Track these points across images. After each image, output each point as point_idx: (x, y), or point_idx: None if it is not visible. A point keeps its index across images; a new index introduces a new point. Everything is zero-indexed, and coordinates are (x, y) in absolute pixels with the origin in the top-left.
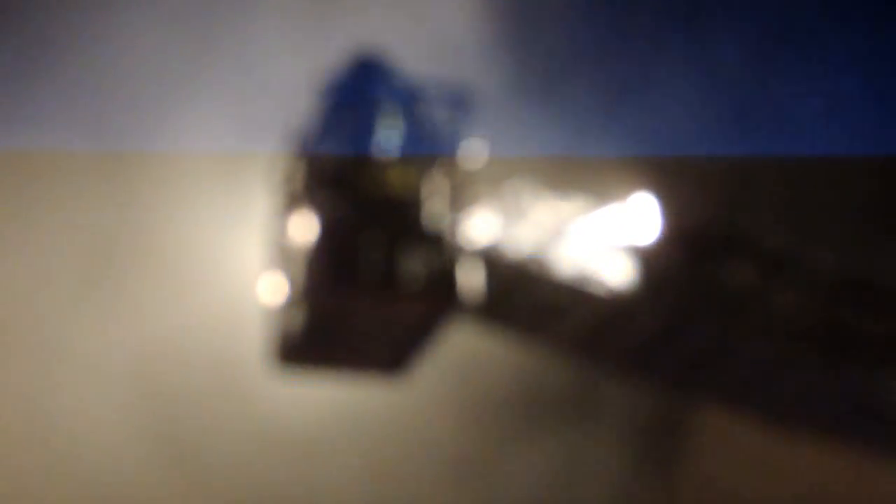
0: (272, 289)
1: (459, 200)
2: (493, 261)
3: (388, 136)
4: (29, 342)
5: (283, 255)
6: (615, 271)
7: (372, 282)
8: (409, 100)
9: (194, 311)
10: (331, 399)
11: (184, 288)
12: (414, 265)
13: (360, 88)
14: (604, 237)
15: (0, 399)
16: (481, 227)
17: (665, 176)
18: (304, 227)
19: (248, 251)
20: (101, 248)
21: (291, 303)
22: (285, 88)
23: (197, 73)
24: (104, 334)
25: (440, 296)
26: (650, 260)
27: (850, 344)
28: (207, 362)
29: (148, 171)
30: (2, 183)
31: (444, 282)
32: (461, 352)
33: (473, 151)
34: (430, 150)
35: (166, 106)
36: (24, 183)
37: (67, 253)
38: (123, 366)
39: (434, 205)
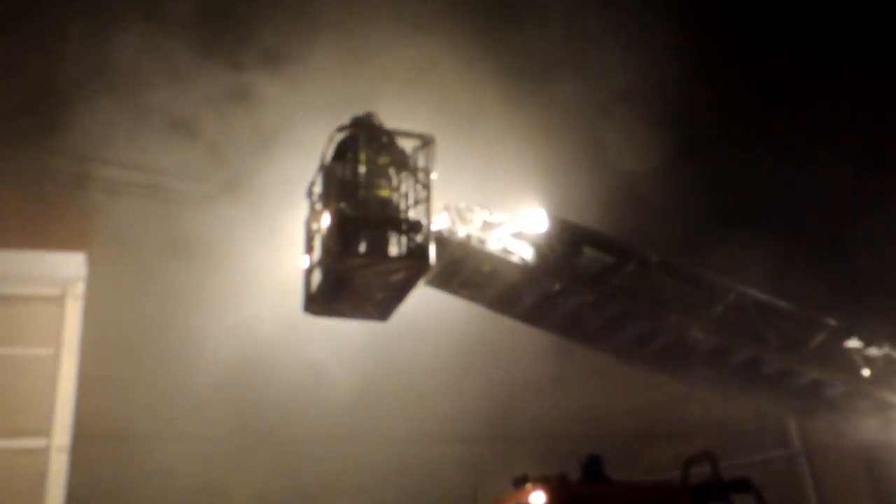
0: (305, 260)
1: (427, 203)
2: (446, 243)
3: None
4: None
5: (310, 237)
6: (521, 251)
7: (366, 256)
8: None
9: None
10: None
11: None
12: (394, 247)
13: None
14: (513, 229)
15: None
16: (439, 221)
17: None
18: (323, 220)
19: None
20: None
21: (315, 268)
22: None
23: None
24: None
25: (413, 266)
26: (542, 246)
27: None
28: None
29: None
30: None
31: (416, 256)
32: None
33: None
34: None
35: None
36: None
37: None
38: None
39: (408, 208)
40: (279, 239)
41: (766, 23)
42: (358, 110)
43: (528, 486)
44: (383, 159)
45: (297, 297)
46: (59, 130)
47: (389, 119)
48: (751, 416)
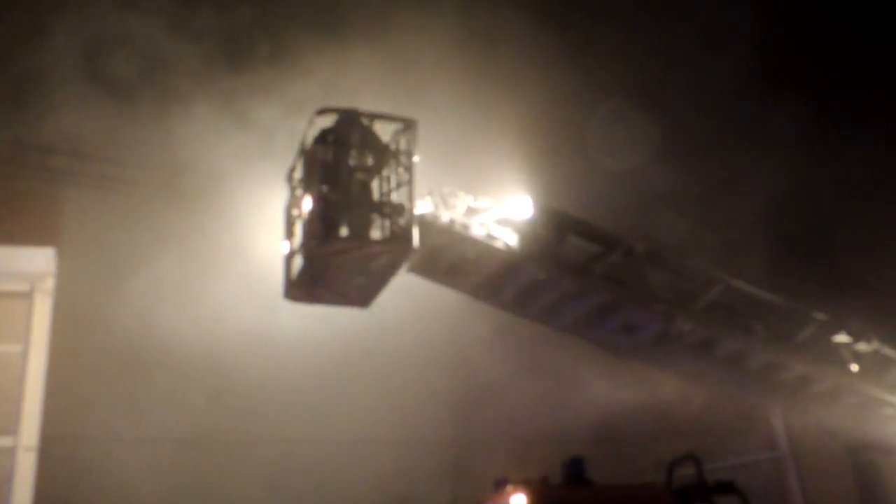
0: (285, 246)
1: (410, 187)
2: (428, 230)
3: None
4: None
5: (291, 222)
6: (505, 237)
7: (349, 239)
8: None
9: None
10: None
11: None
12: (376, 232)
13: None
14: (498, 215)
15: None
16: (422, 205)
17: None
18: (304, 204)
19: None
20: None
21: (295, 253)
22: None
23: None
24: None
25: (395, 250)
26: (527, 234)
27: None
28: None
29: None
30: None
31: (398, 240)
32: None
33: (416, 160)
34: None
35: None
36: None
37: None
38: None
39: (390, 193)
40: (255, 230)
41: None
42: (338, 96)
43: (509, 488)
44: (366, 144)
45: (272, 292)
46: (26, 121)
47: (373, 101)
48: (736, 417)
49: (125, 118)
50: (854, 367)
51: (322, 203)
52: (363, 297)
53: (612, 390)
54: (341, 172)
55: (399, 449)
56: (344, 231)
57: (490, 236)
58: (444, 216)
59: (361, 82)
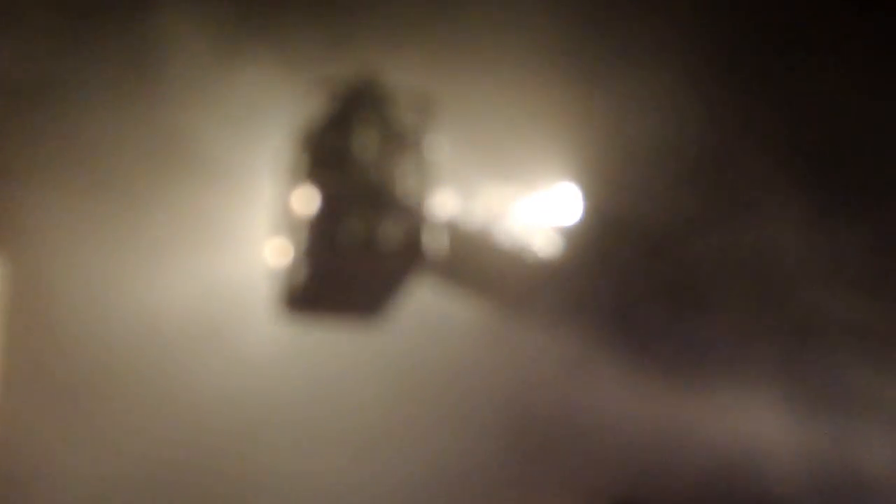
0: (278, 251)
1: (426, 182)
2: (451, 230)
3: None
4: None
5: (287, 224)
6: (544, 244)
7: (355, 244)
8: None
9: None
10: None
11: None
12: (389, 232)
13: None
14: (535, 217)
15: None
16: (443, 203)
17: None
18: (304, 202)
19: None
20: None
21: (294, 262)
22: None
23: None
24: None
25: (409, 256)
26: (570, 237)
27: None
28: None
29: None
30: None
31: (412, 245)
32: (424, 302)
33: (436, 145)
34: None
35: None
36: None
37: None
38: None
39: (406, 184)
40: (240, 233)
41: None
42: (346, 63)
43: None
44: (376, 125)
45: (263, 305)
46: None
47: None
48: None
49: (86, 102)
50: None
51: (324, 199)
52: (372, 310)
53: (661, 418)
54: (347, 162)
55: (422, 488)
56: (350, 233)
57: (524, 240)
58: (470, 215)
59: (374, 53)
